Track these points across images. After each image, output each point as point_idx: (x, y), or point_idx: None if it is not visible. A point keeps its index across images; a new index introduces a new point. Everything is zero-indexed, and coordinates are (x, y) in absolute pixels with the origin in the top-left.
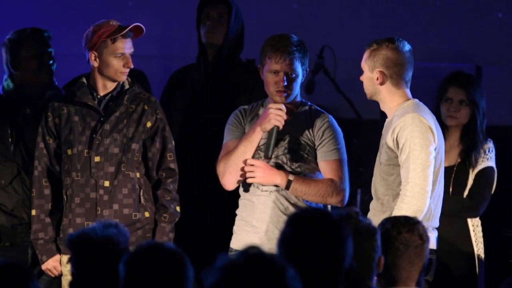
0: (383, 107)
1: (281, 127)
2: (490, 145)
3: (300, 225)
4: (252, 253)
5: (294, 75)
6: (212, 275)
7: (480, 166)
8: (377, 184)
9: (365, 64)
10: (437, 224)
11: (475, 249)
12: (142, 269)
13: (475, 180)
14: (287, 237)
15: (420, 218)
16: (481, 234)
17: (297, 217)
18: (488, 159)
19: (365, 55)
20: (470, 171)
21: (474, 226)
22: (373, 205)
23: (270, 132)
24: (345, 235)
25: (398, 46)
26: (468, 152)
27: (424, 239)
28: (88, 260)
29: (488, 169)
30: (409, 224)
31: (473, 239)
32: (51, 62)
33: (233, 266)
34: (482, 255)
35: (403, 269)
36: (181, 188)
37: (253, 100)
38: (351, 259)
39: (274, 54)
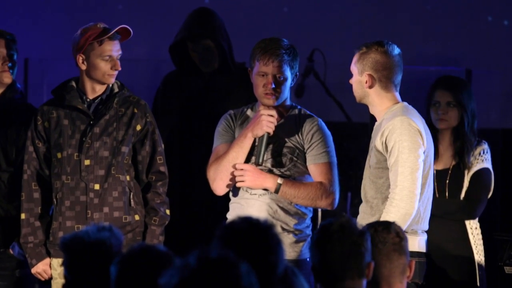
0: (372, 111)
1: (272, 133)
2: (485, 147)
3: (229, 237)
4: (204, 253)
5: (282, 78)
6: (167, 276)
7: (475, 168)
8: (367, 187)
9: (354, 67)
10: (426, 227)
11: (475, 252)
12: (133, 271)
13: (470, 181)
14: None
15: (409, 221)
16: (480, 236)
17: (225, 230)
18: (483, 161)
19: (355, 58)
20: (466, 173)
21: (473, 229)
22: (362, 208)
23: (260, 139)
24: (274, 242)
25: (387, 50)
26: (461, 154)
27: (402, 236)
28: (81, 263)
29: (484, 171)
30: (384, 224)
31: (472, 242)
32: (10, 65)
33: (187, 267)
34: (482, 258)
35: (383, 267)
36: (173, 191)
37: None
38: (284, 265)
39: (262, 56)
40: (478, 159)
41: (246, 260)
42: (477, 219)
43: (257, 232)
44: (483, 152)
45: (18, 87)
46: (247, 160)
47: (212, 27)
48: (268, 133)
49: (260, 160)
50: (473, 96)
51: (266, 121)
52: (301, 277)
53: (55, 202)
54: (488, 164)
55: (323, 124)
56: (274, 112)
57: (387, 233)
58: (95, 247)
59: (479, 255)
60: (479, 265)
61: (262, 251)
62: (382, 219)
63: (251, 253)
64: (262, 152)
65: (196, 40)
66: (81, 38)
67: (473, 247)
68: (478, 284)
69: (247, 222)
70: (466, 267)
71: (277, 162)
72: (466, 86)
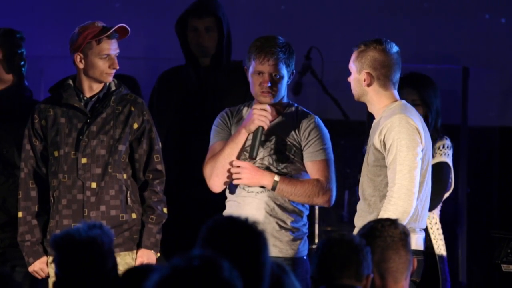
0: (370, 108)
1: (266, 127)
2: (446, 142)
3: (214, 238)
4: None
5: (278, 76)
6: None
7: (432, 162)
8: (365, 185)
9: (352, 65)
10: (424, 225)
11: (435, 246)
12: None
13: None
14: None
15: (407, 219)
16: (440, 231)
17: (210, 231)
18: (441, 155)
19: (353, 56)
20: None
21: (432, 223)
22: (360, 206)
23: (255, 133)
24: (261, 241)
25: (385, 48)
26: None
27: (407, 233)
28: (72, 261)
29: (441, 164)
30: (391, 220)
31: (432, 236)
32: (22, 63)
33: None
34: (443, 252)
35: (392, 261)
36: (170, 189)
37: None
38: (272, 264)
39: (258, 55)
40: (437, 152)
41: (233, 261)
42: (435, 213)
43: (242, 232)
44: (443, 147)
45: (26, 86)
46: None
47: (216, 7)
48: (262, 128)
49: (254, 154)
50: (438, 94)
51: (257, 115)
52: (292, 275)
53: (52, 200)
54: (446, 159)
55: (320, 121)
56: (266, 106)
57: (395, 228)
58: (86, 245)
59: (439, 249)
60: (440, 258)
61: (248, 251)
62: (380, 217)
63: (237, 253)
64: (256, 146)
65: (199, 16)
66: (79, 36)
67: (433, 241)
68: (440, 276)
69: (231, 222)
70: (428, 260)
71: (274, 159)
72: (432, 85)
